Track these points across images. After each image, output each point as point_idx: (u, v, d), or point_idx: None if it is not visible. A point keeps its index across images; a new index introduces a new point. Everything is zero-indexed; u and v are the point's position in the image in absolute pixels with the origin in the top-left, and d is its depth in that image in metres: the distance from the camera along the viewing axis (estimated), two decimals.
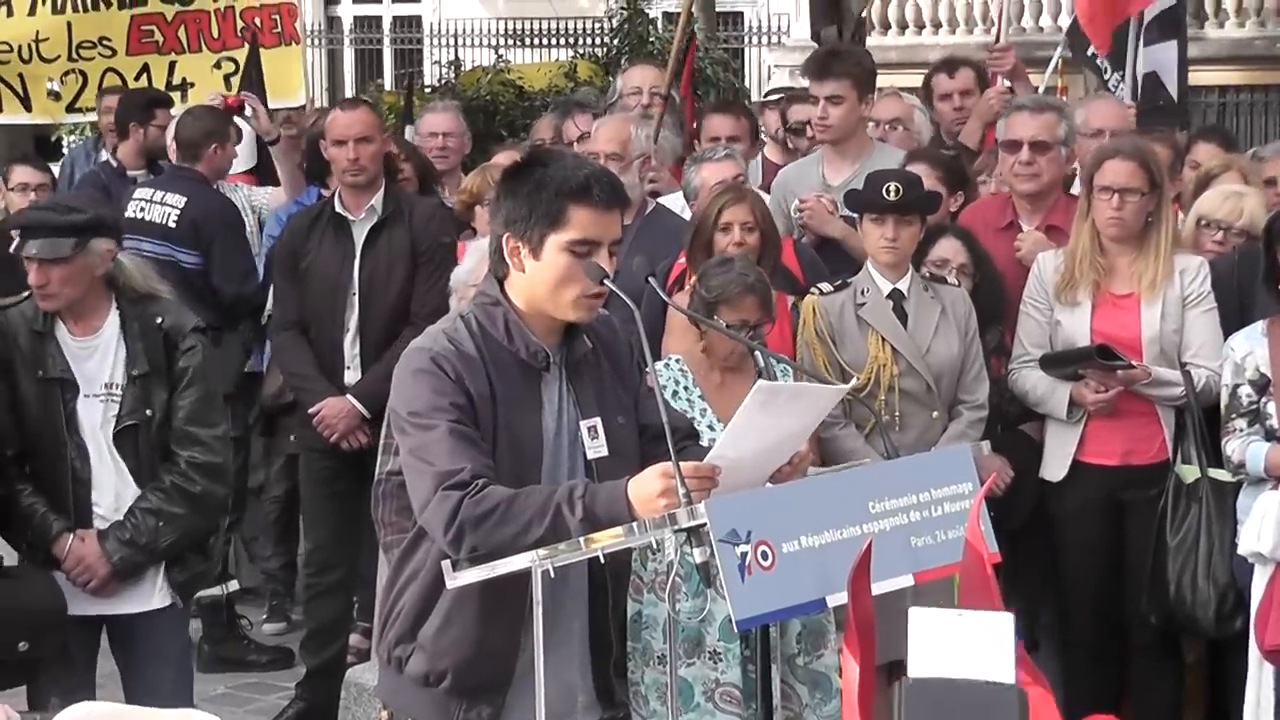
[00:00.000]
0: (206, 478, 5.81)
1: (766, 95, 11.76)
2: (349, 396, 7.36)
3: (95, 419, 5.72)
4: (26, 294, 5.78)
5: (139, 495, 5.74)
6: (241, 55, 10.16)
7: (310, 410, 7.42)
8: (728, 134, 8.14)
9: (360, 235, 7.44)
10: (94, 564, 5.68)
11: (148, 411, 5.73)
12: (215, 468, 5.86)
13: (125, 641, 5.91)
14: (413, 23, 30.51)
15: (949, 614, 3.44)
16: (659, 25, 21.88)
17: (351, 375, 7.43)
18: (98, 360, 5.75)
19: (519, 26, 26.90)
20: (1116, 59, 9.35)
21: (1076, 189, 7.25)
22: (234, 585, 8.40)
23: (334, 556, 7.62)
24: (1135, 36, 9.12)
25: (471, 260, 5.53)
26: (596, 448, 4.22)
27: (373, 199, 7.46)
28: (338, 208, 7.50)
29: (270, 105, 9.73)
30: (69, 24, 10.11)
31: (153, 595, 5.82)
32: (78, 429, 5.70)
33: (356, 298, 7.40)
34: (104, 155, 9.99)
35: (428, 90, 21.02)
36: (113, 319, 5.79)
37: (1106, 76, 9.45)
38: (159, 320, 5.80)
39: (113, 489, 5.74)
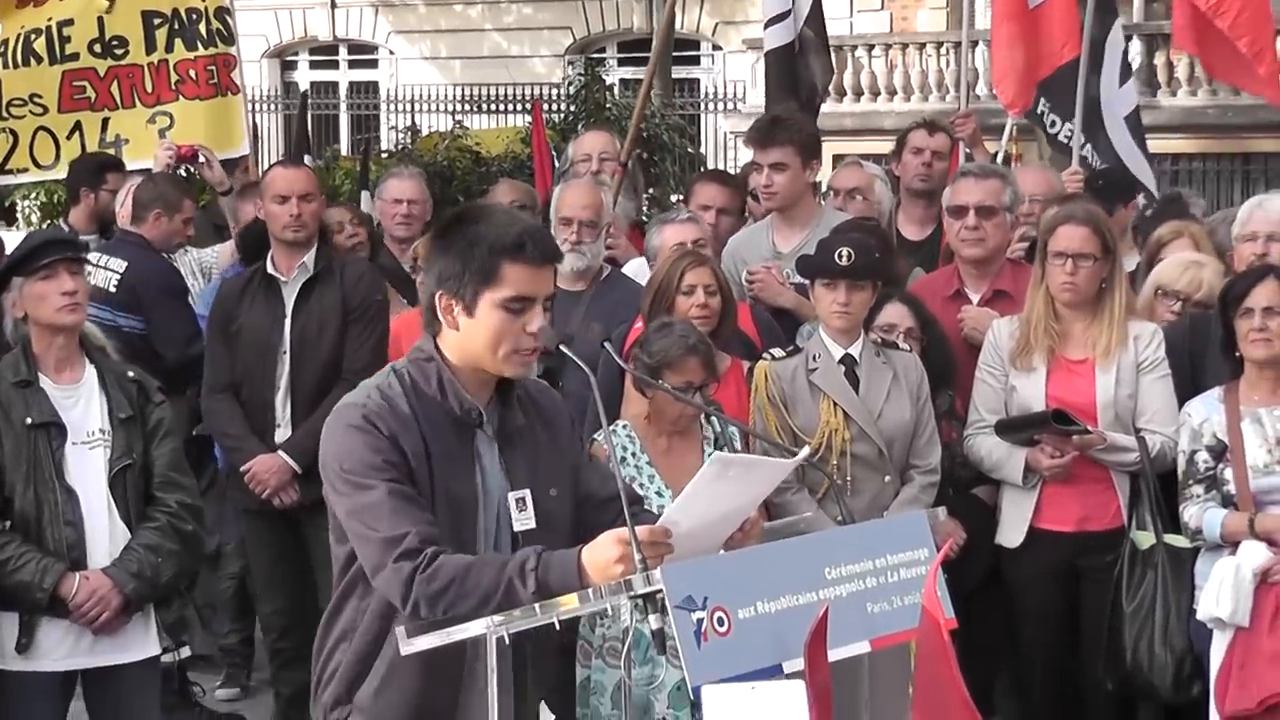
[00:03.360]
0: (195, 519, 6.03)
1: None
2: (280, 453, 7.36)
3: (89, 465, 5.83)
4: None
5: (133, 535, 5.85)
6: (176, 109, 10.08)
7: (241, 468, 7.41)
8: (719, 204, 8.06)
9: (291, 295, 7.46)
10: (107, 595, 5.74)
11: (134, 455, 5.89)
12: (199, 511, 6.09)
13: (110, 695, 5.93)
14: (369, 88, 30.65)
15: (742, 689, 3.52)
16: (615, 92, 22.00)
17: (282, 433, 7.43)
18: (82, 407, 5.87)
19: (476, 92, 27.01)
20: (1063, 108, 9.45)
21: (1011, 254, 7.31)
22: (186, 652, 8.31)
23: (291, 619, 7.58)
24: (1083, 85, 9.25)
25: None
26: (523, 520, 4.18)
27: (304, 257, 7.48)
28: (269, 269, 7.51)
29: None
30: None
31: (147, 641, 5.95)
32: (65, 475, 5.78)
33: (288, 356, 7.41)
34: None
35: (384, 156, 21.06)
36: (90, 369, 5.95)
37: (1055, 129, 9.55)
38: (130, 374, 6.01)
39: (107, 533, 5.83)
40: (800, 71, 9.98)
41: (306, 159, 11.38)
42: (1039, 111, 9.67)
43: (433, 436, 4.11)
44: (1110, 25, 9.59)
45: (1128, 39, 21.88)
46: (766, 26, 10.09)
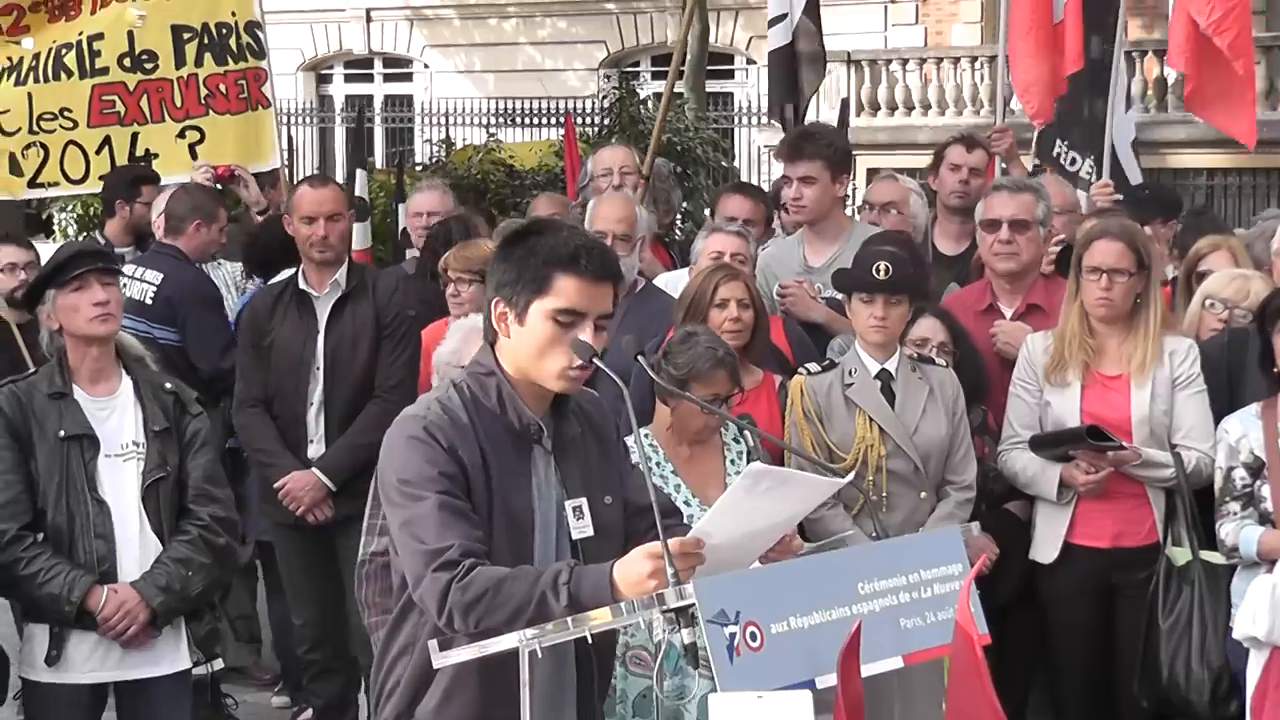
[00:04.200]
0: (228, 532, 6.03)
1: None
2: (314, 470, 7.36)
3: (122, 477, 5.85)
4: (33, 370, 6.07)
5: (164, 548, 5.86)
6: (206, 124, 10.09)
7: (275, 485, 7.42)
8: (743, 216, 8.11)
9: (324, 310, 7.46)
10: (135, 609, 5.75)
11: (167, 468, 5.89)
12: (233, 524, 6.11)
13: (141, 708, 5.96)
14: (404, 102, 30.72)
15: (749, 697, 3.49)
16: (649, 105, 22.00)
17: (315, 449, 7.44)
18: (117, 419, 5.90)
19: (510, 106, 27.06)
20: (1087, 143, 9.50)
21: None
22: (219, 664, 8.34)
23: (324, 631, 7.60)
24: (1107, 115, 9.33)
25: (454, 341, 5.51)
26: (581, 528, 4.20)
27: (336, 274, 7.48)
28: (301, 284, 7.51)
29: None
30: (29, 95, 9.90)
31: (178, 655, 5.95)
32: (98, 487, 5.79)
33: (320, 372, 7.42)
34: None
35: (419, 169, 21.10)
36: (126, 381, 5.97)
37: (1075, 167, 9.59)
38: (166, 385, 6.03)
39: (138, 545, 5.84)
40: (798, 75, 10.07)
41: (360, 173, 11.44)
42: (1055, 153, 9.71)
43: (491, 449, 4.12)
44: (1114, 50, 9.64)
45: (1162, 54, 21.96)
46: (769, 26, 10.18)
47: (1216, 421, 6.33)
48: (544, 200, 9.66)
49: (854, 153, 9.54)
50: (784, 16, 10.09)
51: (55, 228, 21.21)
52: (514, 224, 4.47)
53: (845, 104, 14.92)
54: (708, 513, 3.99)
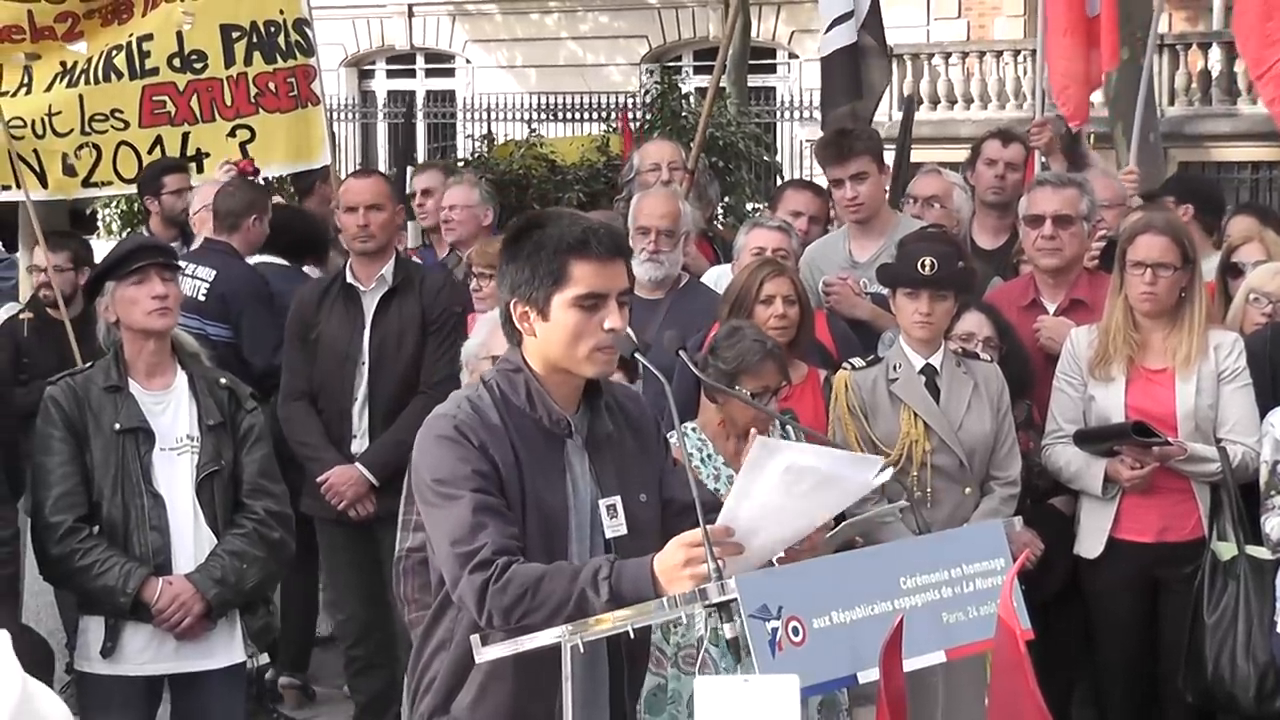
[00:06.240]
0: (283, 526, 6.03)
1: None
2: (357, 464, 7.39)
3: (176, 471, 5.88)
4: (89, 364, 6.06)
5: (219, 541, 5.89)
6: (256, 122, 10.14)
7: (318, 479, 7.44)
8: (810, 212, 8.07)
9: (370, 305, 7.49)
10: (189, 600, 5.78)
11: (222, 462, 5.92)
12: (287, 519, 6.09)
13: (196, 702, 5.98)
14: (446, 97, 30.76)
15: (735, 681, 3.48)
16: (692, 100, 21.97)
17: (359, 444, 7.47)
18: (171, 413, 5.93)
19: (552, 100, 27.07)
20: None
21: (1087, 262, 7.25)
22: (264, 658, 8.38)
23: (367, 627, 7.62)
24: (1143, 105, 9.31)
25: (482, 333, 5.50)
26: (615, 526, 4.18)
27: (383, 269, 7.50)
28: (348, 278, 7.54)
29: (292, 168, 9.91)
30: (80, 97, 9.88)
31: (232, 648, 5.97)
32: (153, 481, 5.83)
33: (366, 367, 7.44)
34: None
35: (460, 164, 21.12)
36: (181, 376, 6.00)
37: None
38: (222, 380, 6.06)
39: (192, 539, 5.87)
40: (862, 74, 9.97)
41: (409, 170, 11.51)
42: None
43: (523, 446, 4.11)
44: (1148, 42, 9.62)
45: (1207, 46, 21.89)
46: (828, 30, 10.08)
47: (1262, 415, 6.31)
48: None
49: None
50: (848, 15, 9.96)
51: (100, 224, 21.28)
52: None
53: (910, 100, 14.78)
54: (729, 499, 3.95)
